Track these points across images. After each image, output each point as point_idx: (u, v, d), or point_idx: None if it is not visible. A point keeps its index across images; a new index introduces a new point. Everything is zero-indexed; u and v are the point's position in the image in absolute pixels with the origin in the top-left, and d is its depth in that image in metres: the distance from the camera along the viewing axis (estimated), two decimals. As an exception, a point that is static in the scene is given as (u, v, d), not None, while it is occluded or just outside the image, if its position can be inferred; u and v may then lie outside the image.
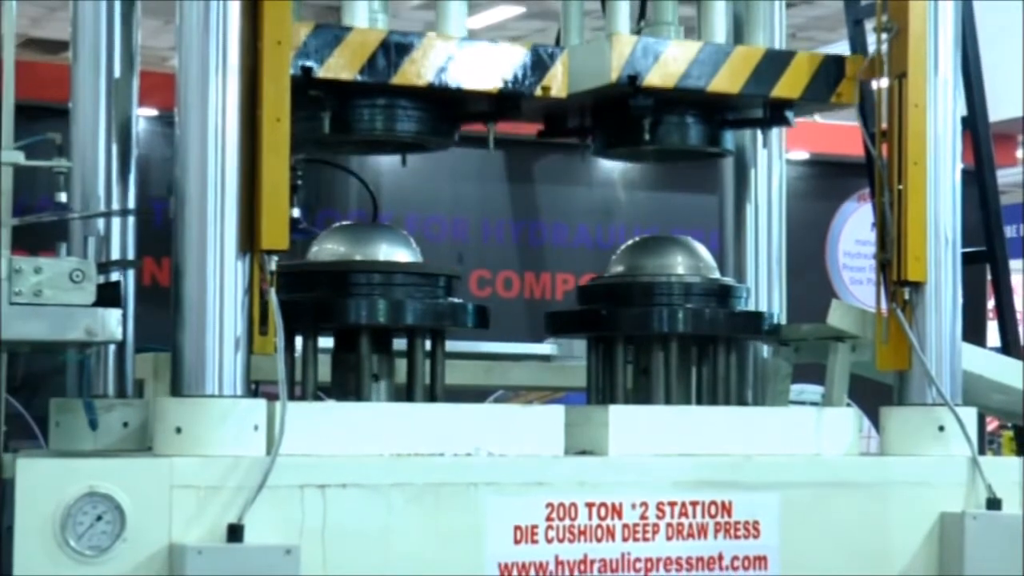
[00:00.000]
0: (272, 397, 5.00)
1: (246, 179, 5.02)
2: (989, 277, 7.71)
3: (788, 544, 5.53)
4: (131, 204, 5.52)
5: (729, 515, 5.47)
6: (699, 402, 6.00)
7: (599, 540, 5.30)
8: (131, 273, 5.53)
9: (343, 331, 5.68)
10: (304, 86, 5.29)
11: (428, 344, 5.69)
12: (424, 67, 5.47)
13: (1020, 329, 7.57)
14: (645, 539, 5.35)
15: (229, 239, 4.99)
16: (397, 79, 5.43)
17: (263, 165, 5.00)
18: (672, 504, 5.40)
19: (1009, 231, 14.24)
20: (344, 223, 6.04)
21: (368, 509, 4.99)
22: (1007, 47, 11.78)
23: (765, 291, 6.50)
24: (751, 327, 6.05)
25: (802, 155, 9.76)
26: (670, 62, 5.71)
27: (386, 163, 8.64)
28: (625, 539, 5.33)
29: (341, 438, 5.10)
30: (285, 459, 4.88)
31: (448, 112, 5.80)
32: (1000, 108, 9.17)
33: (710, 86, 5.77)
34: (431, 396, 5.64)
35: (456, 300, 5.67)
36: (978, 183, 7.38)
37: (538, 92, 5.63)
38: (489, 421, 5.35)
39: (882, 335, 5.80)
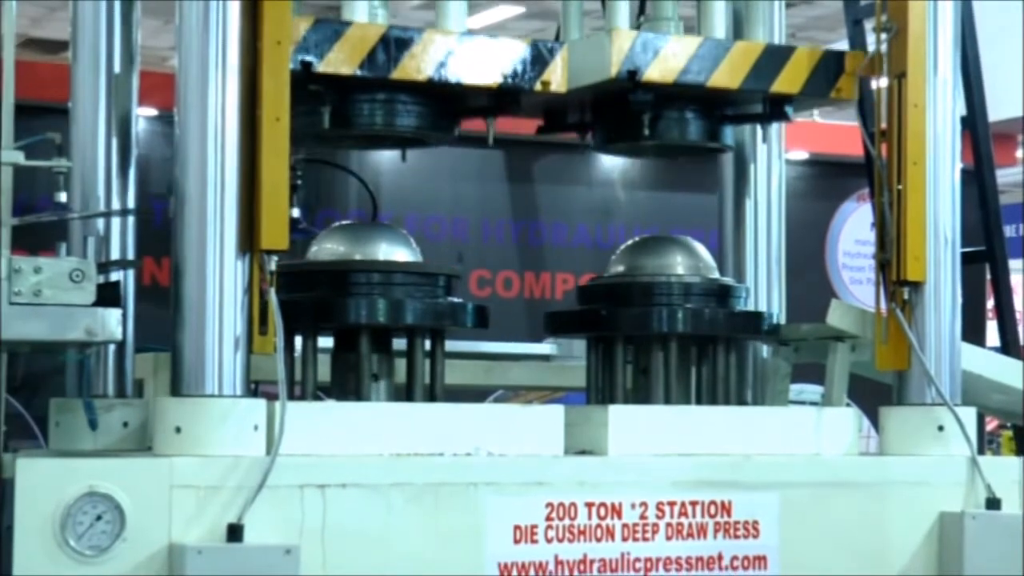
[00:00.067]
0: (272, 397, 5.00)
1: (246, 179, 5.01)
2: (989, 277, 7.71)
3: (788, 544, 5.53)
4: (131, 204, 5.52)
5: (729, 515, 5.46)
6: (699, 402, 6.00)
7: (599, 540, 5.29)
8: (131, 273, 5.53)
9: (343, 331, 5.68)
10: (304, 81, 5.28)
11: (428, 344, 5.69)
12: (424, 62, 5.46)
13: (1020, 329, 7.57)
14: (645, 539, 5.35)
15: (229, 239, 4.99)
16: (397, 74, 5.43)
17: (263, 165, 5.00)
18: (672, 504, 5.39)
19: (1009, 231, 14.25)
20: (344, 223, 6.03)
21: (368, 509, 4.99)
22: (1007, 47, 11.76)
23: (765, 291, 6.50)
24: (751, 327, 6.05)
25: (802, 155, 9.77)
26: (670, 57, 5.71)
27: (386, 163, 8.64)
28: (625, 539, 5.33)
29: (341, 438, 5.10)
30: (285, 459, 4.87)
31: (448, 107, 5.79)
32: (1000, 108, 9.19)
33: (710, 81, 5.77)
34: (431, 396, 5.64)
35: (456, 300, 5.66)
36: (978, 183, 7.38)
37: (538, 87, 5.62)
38: (489, 421, 5.35)
39: (881, 335, 5.80)
